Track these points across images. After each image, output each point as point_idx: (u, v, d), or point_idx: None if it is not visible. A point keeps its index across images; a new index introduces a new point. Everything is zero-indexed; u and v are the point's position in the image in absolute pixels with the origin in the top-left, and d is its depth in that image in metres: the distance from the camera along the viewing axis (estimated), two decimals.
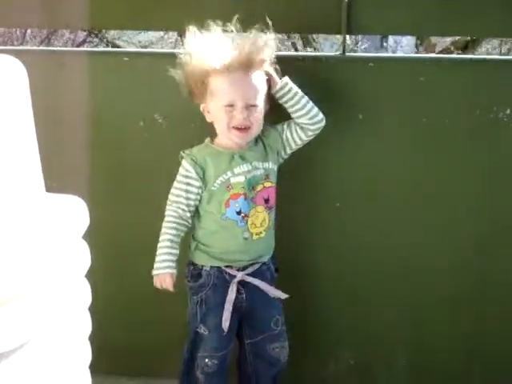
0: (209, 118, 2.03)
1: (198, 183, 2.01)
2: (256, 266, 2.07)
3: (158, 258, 2.02)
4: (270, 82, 2.02)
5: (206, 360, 2.06)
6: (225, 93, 1.94)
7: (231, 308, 2.02)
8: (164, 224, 2.04)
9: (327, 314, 2.41)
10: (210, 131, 2.07)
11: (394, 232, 2.32)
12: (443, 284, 2.35)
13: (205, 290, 2.05)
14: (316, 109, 2.04)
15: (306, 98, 2.03)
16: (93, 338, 1.64)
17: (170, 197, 2.04)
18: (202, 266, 2.06)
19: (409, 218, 2.31)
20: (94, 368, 1.67)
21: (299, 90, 2.03)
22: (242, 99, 1.94)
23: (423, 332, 2.40)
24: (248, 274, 2.05)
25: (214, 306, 2.03)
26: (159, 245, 2.03)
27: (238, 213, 2.00)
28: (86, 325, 1.61)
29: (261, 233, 2.04)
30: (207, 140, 2.07)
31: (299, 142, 2.07)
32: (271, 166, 2.06)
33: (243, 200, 2.00)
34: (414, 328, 2.41)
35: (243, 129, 1.96)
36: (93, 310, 1.63)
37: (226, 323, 2.01)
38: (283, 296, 2.09)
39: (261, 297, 2.07)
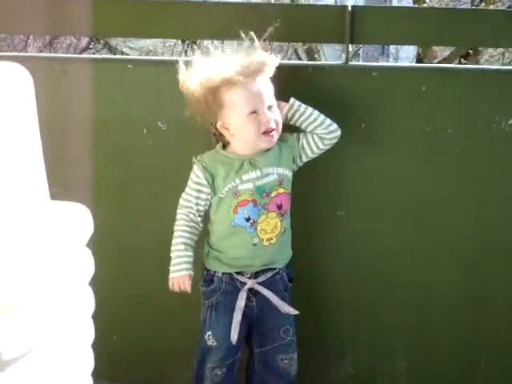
0: (228, 134, 2.00)
1: (207, 189, 2.02)
2: (268, 275, 2.06)
3: (173, 262, 2.02)
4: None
5: (216, 370, 2.07)
6: (245, 101, 1.92)
7: (240, 317, 2.02)
8: (176, 228, 2.04)
9: (330, 319, 2.42)
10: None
11: (395, 239, 2.33)
12: (445, 292, 2.36)
13: (216, 295, 2.06)
14: (329, 120, 2.04)
15: (317, 111, 2.03)
16: (95, 345, 1.65)
17: (181, 201, 2.05)
18: (215, 271, 2.07)
19: (410, 225, 2.32)
20: (97, 375, 1.67)
21: (308, 106, 2.03)
22: (263, 102, 1.93)
23: (424, 339, 2.41)
24: (260, 283, 2.05)
25: (223, 312, 2.04)
26: (173, 248, 2.03)
27: (247, 219, 2.00)
28: (89, 332, 1.61)
29: (271, 239, 2.03)
30: (218, 146, 2.06)
31: (316, 150, 2.06)
32: (285, 172, 2.04)
33: (252, 207, 2.00)
34: (415, 335, 2.41)
35: (271, 131, 1.96)
36: (96, 317, 1.63)
37: (234, 336, 2.02)
38: (293, 312, 2.09)
39: (271, 305, 2.06)
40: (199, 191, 2.02)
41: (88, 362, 1.62)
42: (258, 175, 2.00)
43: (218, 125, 1.99)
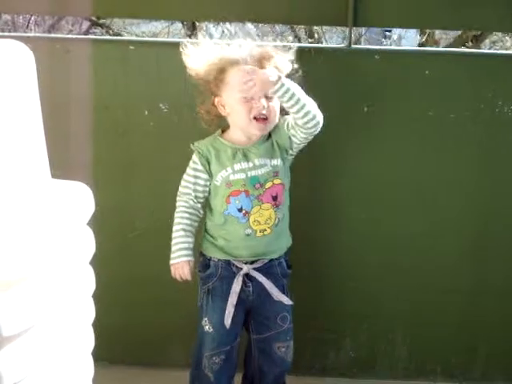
0: (223, 112, 2.01)
1: (204, 175, 2.03)
2: (265, 260, 2.05)
3: (173, 248, 2.03)
4: None
5: (214, 358, 2.06)
6: (243, 85, 1.90)
7: (235, 301, 2.01)
8: (176, 215, 2.05)
9: (330, 304, 2.42)
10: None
11: (397, 224, 2.33)
12: (446, 279, 2.37)
13: (212, 280, 2.05)
14: (308, 108, 1.92)
15: (299, 97, 1.91)
16: (95, 326, 1.65)
17: (180, 188, 2.06)
18: (210, 257, 2.06)
19: (412, 210, 2.32)
20: (96, 356, 1.67)
21: (296, 91, 1.91)
22: (260, 91, 1.92)
23: (425, 324, 2.42)
24: (256, 269, 2.04)
25: (220, 297, 2.03)
26: (173, 235, 2.04)
27: (239, 210, 2.00)
28: (89, 311, 1.61)
29: (265, 230, 2.02)
30: (217, 132, 2.06)
31: (299, 139, 2.01)
32: (279, 163, 2.03)
33: (244, 197, 1.99)
34: (414, 319, 2.42)
35: (263, 119, 1.95)
36: (96, 296, 1.63)
37: (228, 320, 2.01)
38: (287, 302, 2.08)
39: (268, 292, 2.05)
40: (196, 177, 2.03)
41: (88, 340, 1.62)
42: (249, 166, 2.00)
43: (216, 100, 2.00)
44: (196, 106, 2.06)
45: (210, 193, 2.05)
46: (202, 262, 2.09)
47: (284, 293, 2.07)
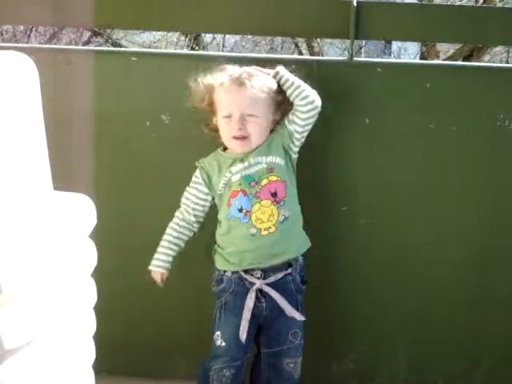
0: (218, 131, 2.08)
1: (205, 189, 2.08)
2: (278, 276, 2.04)
3: (154, 255, 2.11)
4: (281, 94, 2.03)
5: (224, 371, 2.05)
6: (223, 104, 2.02)
7: (249, 317, 2.01)
8: (169, 224, 2.12)
9: (332, 316, 2.41)
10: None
11: (398, 234, 2.32)
12: (447, 289, 2.36)
13: (225, 295, 2.05)
14: (307, 91, 2.02)
15: (299, 83, 2.02)
16: (96, 338, 1.64)
17: (182, 199, 2.11)
18: (224, 271, 2.07)
19: (414, 220, 2.31)
20: (97, 368, 1.67)
21: (293, 79, 2.03)
22: (238, 110, 1.99)
23: (425, 335, 2.40)
24: (269, 284, 2.03)
25: (232, 312, 2.03)
26: (160, 243, 2.11)
27: (240, 210, 2.01)
28: (90, 324, 1.61)
29: (270, 228, 2.01)
30: (220, 148, 2.11)
31: (298, 126, 2.04)
32: (276, 159, 2.04)
33: (242, 196, 2.01)
34: (416, 330, 2.40)
35: (241, 138, 2.01)
36: (97, 308, 1.63)
37: (243, 335, 2.01)
38: (299, 318, 2.07)
39: (281, 307, 2.04)
40: (197, 190, 2.09)
41: (89, 353, 1.62)
42: (245, 165, 2.03)
43: (214, 120, 2.07)
44: (197, 117, 2.08)
45: (218, 207, 2.08)
46: (215, 277, 2.10)
47: (298, 308, 2.07)
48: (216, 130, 2.08)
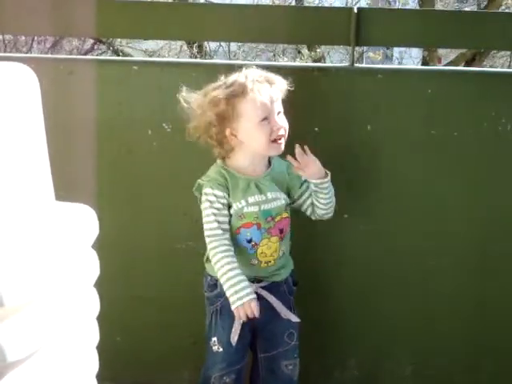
0: (236, 142, 1.99)
1: (226, 210, 1.98)
2: (271, 280, 2.06)
3: (231, 292, 1.93)
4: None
5: (224, 377, 2.05)
6: (256, 108, 1.92)
7: (242, 320, 1.99)
8: (218, 261, 1.95)
9: (334, 323, 2.41)
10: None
11: (399, 242, 2.32)
12: (450, 296, 2.35)
13: (220, 300, 2.04)
14: (332, 207, 2.08)
15: (331, 197, 2.07)
16: (99, 347, 1.64)
17: (209, 232, 1.97)
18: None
19: (415, 226, 2.31)
20: (100, 377, 1.67)
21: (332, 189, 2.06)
22: (276, 109, 1.96)
23: (428, 343, 2.40)
24: (263, 287, 2.04)
25: (228, 316, 2.01)
26: (225, 277, 1.94)
27: (249, 241, 2.00)
28: (93, 334, 1.61)
29: (269, 261, 2.03)
30: (220, 163, 2.04)
31: (303, 210, 2.10)
32: (287, 197, 2.06)
33: (256, 230, 1.99)
34: (419, 338, 2.40)
35: (279, 139, 1.97)
36: (100, 319, 1.63)
37: (234, 337, 2.01)
38: (294, 319, 2.07)
39: (275, 309, 2.05)
40: (225, 209, 1.98)
41: (92, 363, 1.62)
42: (262, 199, 2.00)
43: (227, 132, 1.97)
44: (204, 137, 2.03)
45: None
46: (208, 282, 2.08)
47: (291, 310, 2.08)
48: (219, 142, 2.00)
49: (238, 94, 1.93)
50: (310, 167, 2.01)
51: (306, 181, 2.07)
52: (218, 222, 1.97)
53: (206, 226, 1.98)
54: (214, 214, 1.97)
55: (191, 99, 2.00)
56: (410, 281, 2.35)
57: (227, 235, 1.97)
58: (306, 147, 2.00)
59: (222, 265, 1.93)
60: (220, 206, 1.97)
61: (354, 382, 2.43)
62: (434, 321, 2.38)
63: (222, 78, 2.00)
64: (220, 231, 1.96)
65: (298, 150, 1.99)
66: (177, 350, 2.37)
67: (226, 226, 1.98)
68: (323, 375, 2.43)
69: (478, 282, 2.35)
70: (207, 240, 1.97)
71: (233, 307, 1.93)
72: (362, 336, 2.42)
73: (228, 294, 1.93)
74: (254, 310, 1.91)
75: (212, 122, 1.97)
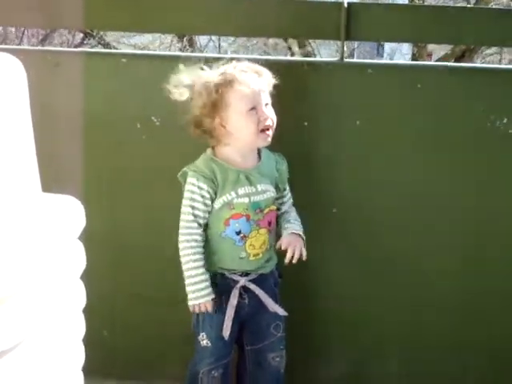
0: (223, 132, 1.98)
1: (209, 201, 1.98)
2: (259, 272, 2.06)
3: (190, 289, 1.98)
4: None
5: (213, 372, 2.06)
6: (244, 97, 1.94)
7: (233, 313, 2.01)
8: (183, 251, 1.99)
9: (325, 321, 2.41)
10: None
11: (390, 237, 2.32)
12: (441, 295, 2.35)
13: None
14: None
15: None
16: (87, 340, 1.63)
17: (186, 217, 1.99)
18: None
19: (405, 223, 2.31)
20: (88, 370, 1.66)
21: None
22: (263, 99, 1.96)
23: (416, 339, 2.40)
24: (251, 280, 2.04)
25: (217, 310, 2.01)
26: (187, 274, 1.98)
27: (238, 233, 1.99)
28: (79, 327, 1.60)
29: (258, 254, 2.03)
30: (209, 152, 2.03)
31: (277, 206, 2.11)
32: (274, 189, 2.06)
33: (245, 221, 1.99)
34: (406, 335, 2.40)
35: (267, 129, 1.97)
36: (87, 311, 1.62)
37: (226, 332, 2.01)
38: (282, 313, 2.08)
39: (262, 302, 2.05)
40: (205, 205, 1.98)
41: (78, 356, 1.61)
42: (252, 191, 2.00)
43: (216, 122, 1.98)
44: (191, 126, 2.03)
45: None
46: None
47: (277, 302, 2.08)
48: (209, 132, 2.00)
49: (226, 83, 1.94)
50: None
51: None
52: (194, 215, 1.98)
53: (182, 216, 1.99)
54: (192, 207, 1.98)
55: (180, 84, 2.01)
56: (399, 276, 2.35)
57: (200, 230, 1.99)
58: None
59: (187, 260, 1.98)
60: (200, 198, 1.97)
61: (340, 378, 2.42)
62: (422, 316, 2.37)
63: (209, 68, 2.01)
64: (195, 224, 1.98)
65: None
66: (166, 343, 2.36)
67: (202, 221, 1.99)
68: (309, 371, 2.42)
69: (470, 278, 2.34)
70: (180, 230, 1.99)
71: (189, 303, 1.98)
72: (349, 331, 2.41)
73: (187, 289, 1.97)
74: (208, 310, 1.98)
75: (203, 112, 1.98)
